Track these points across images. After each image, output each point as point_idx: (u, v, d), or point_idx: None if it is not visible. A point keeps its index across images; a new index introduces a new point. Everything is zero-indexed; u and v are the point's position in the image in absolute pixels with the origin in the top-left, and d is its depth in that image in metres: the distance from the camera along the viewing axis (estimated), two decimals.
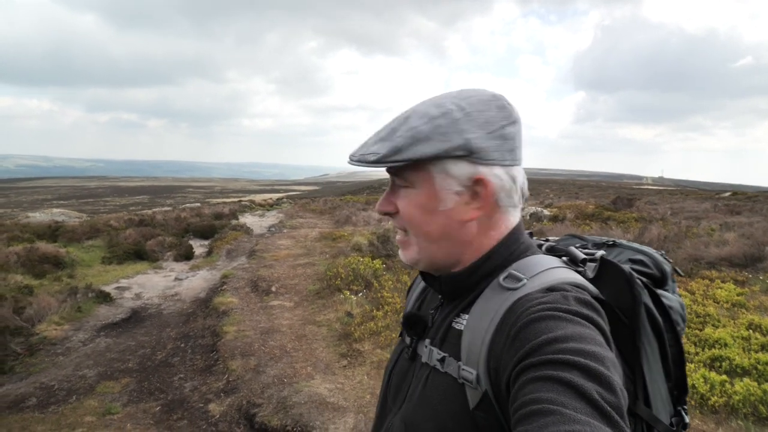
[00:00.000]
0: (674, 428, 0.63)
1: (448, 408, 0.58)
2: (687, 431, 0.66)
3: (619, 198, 13.19)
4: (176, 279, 7.41)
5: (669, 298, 0.70)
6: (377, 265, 6.18)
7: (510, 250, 0.63)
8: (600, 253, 0.65)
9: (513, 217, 0.64)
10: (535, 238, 0.77)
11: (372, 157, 0.60)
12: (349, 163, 0.65)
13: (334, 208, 17.65)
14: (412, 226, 0.64)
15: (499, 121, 0.60)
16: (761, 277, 5.50)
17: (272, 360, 3.90)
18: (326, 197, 25.09)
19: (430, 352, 0.64)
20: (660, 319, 0.62)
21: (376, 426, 0.74)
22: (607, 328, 0.53)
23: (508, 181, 0.61)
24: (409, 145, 0.59)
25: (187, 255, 9.44)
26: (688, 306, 4.42)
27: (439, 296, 0.69)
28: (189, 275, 7.65)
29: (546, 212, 11.72)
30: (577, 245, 0.75)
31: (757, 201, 19.17)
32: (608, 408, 0.42)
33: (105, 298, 5.94)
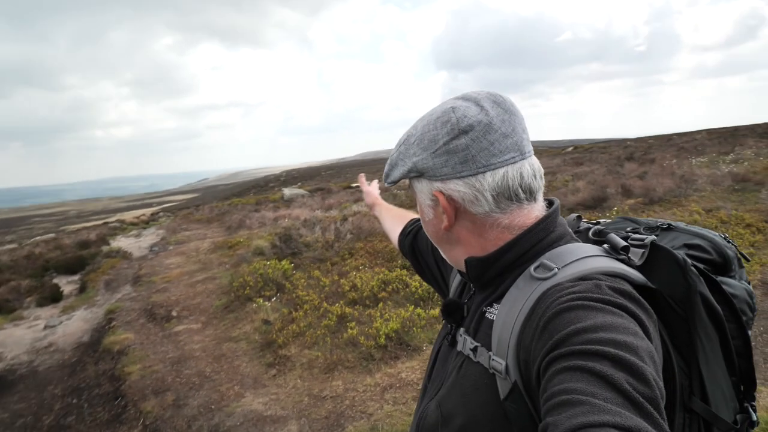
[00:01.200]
0: (738, 426, 0.59)
1: (479, 398, 0.59)
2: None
3: None
4: (46, 327, 6.29)
5: (732, 285, 0.66)
6: (286, 266, 6.00)
7: (534, 240, 0.62)
8: (650, 238, 0.62)
9: (524, 213, 0.63)
10: (584, 220, 0.79)
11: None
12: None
13: (222, 214, 16.51)
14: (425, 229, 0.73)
15: (442, 138, 0.61)
16: (608, 214, 6.61)
17: (192, 390, 3.58)
18: (210, 204, 23.35)
19: (464, 341, 0.66)
20: (719, 308, 0.58)
21: (418, 405, 0.76)
22: (647, 317, 0.51)
23: (469, 190, 0.61)
24: (390, 171, 0.69)
25: (53, 297, 8.04)
26: None
27: (471, 285, 0.71)
28: (63, 319, 6.54)
29: None
30: (629, 229, 0.73)
31: (594, 152, 22.92)
32: (640, 398, 0.41)
33: None
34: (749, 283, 0.69)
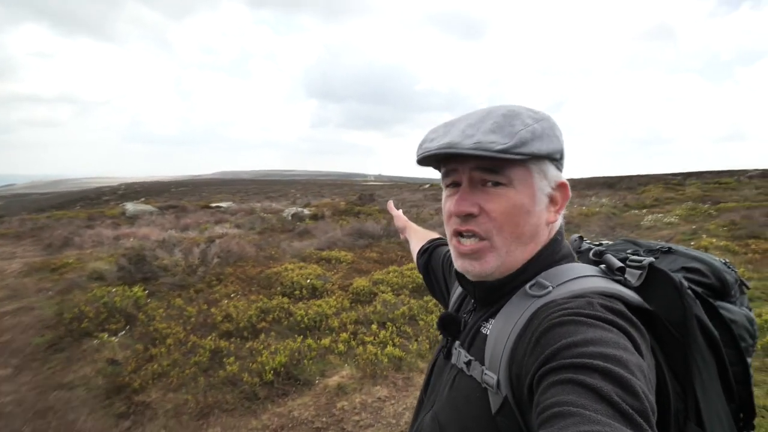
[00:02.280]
0: None
1: (471, 411, 0.59)
2: None
3: (362, 194, 15.13)
4: None
5: (731, 310, 0.66)
6: (138, 293, 5.08)
7: (549, 260, 0.63)
8: (648, 260, 0.62)
9: (558, 223, 0.67)
10: (586, 240, 0.80)
11: (496, 146, 0.56)
12: (443, 152, 0.58)
13: (38, 228, 13.39)
14: (508, 226, 0.61)
15: (560, 136, 0.64)
16: None
17: None
18: (19, 216, 18.70)
19: (458, 354, 0.66)
20: (716, 333, 0.58)
21: (414, 418, 0.75)
22: (639, 336, 0.51)
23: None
24: (530, 140, 0.58)
25: None
26: None
27: (473, 300, 0.70)
28: None
29: (306, 211, 12.27)
30: (629, 251, 0.74)
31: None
32: (630, 410, 0.41)
33: None
34: (750, 310, 0.69)
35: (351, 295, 5.15)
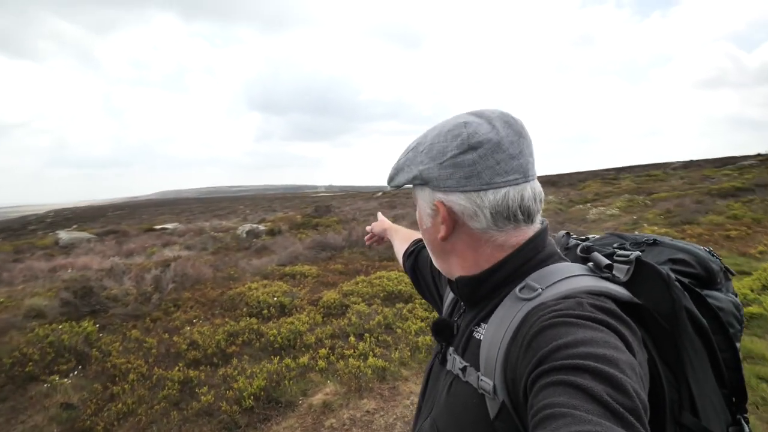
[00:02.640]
0: None
1: (469, 417, 0.59)
2: None
3: (318, 206, 14.92)
4: None
5: (718, 298, 0.67)
6: (89, 328, 4.66)
7: (524, 259, 0.63)
8: (635, 254, 0.62)
9: (519, 234, 0.64)
10: (573, 236, 0.79)
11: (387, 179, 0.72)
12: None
13: None
14: (422, 237, 0.74)
15: (451, 151, 0.62)
16: None
17: None
18: None
19: (453, 360, 0.66)
20: (704, 322, 0.59)
21: (414, 425, 0.75)
22: (630, 333, 0.52)
23: (469, 205, 0.62)
24: (394, 175, 0.70)
25: None
26: None
27: (462, 303, 0.72)
28: None
29: (262, 227, 11.91)
30: (615, 245, 0.75)
31: (399, 197, 26.01)
32: (620, 409, 0.42)
33: None
34: (736, 296, 0.70)
35: (322, 309, 5.03)
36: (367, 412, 3.02)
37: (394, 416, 2.94)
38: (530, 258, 0.63)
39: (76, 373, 3.97)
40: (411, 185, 0.69)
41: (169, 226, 20.18)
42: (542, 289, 0.58)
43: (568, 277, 0.60)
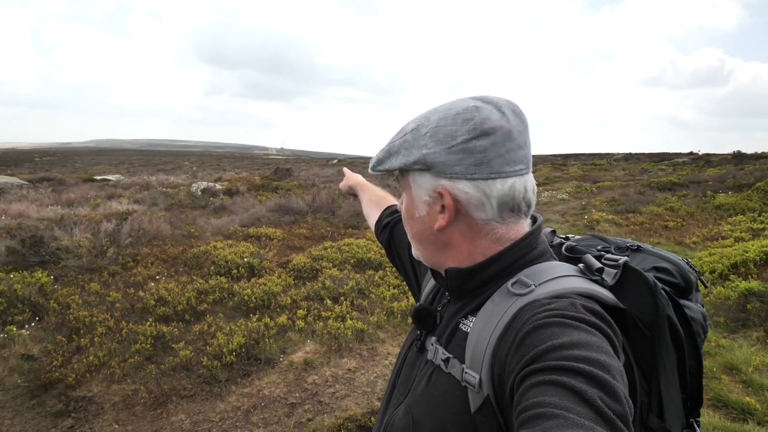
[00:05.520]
0: None
1: (449, 409, 0.58)
2: None
3: (279, 169, 14.55)
4: None
5: (692, 308, 0.69)
6: (43, 279, 4.40)
7: (518, 255, 0.62)
8: (623, 259, 0.63)
9: (518, 227, 0.63)
10: (557, 236, 0.81)
11: (371, 163, 0.69)
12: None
13: None
14: (407, 227, 0.70)
15: (462, 135, 0.59)
16: None
17: None
18: None
19: (435, 351, 0.64)
20: (681, 330, 0.61)
21: (382, 411, 0.72)
22: (617, 338, 0.53)
23: (476, 194, 0.59)
24: (385, 158, 0.67)
25: None
26: None
27: (447, 293, 0.69)
28: None
29: (218, 186, 11.49)
30: (599, 247, 0.76)
31: (356, 165, 25.97)
32: (612, 415, 0.42)
33: None
34: (703, 306, 0.74)
35: (293, 272, 5.06)
36: (349, 370, 3.17)
37: (375, 374, 3.12)
38: (525, 254, 0.62)
39: (33, 324, 3.78)
40: (400, 171, 0.65)
41: (111, 177, 18.84)
42: (535, 286, 0.58)
43: (560, 277, 0.60)
